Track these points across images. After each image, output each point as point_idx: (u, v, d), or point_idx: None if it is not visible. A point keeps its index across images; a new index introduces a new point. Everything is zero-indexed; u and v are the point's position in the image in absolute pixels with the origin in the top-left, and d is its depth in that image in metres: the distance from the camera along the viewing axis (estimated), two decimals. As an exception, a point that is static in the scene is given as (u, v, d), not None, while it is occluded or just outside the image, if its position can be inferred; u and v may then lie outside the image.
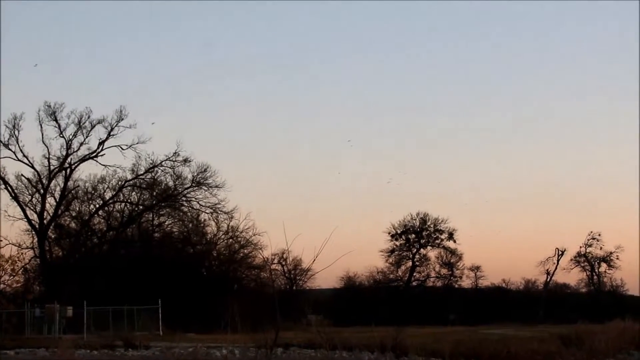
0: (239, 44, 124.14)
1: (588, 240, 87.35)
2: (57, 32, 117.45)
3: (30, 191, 60.10)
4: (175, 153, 60.60)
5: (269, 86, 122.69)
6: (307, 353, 26.18)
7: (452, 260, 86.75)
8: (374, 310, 70.63)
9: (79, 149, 60.16)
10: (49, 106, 59.15)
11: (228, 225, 65.52)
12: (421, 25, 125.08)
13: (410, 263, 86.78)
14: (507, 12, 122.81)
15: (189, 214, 64.44)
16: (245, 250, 66.42)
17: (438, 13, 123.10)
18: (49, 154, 59.65)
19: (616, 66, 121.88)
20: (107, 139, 59.93)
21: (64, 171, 60.35)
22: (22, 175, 59.63)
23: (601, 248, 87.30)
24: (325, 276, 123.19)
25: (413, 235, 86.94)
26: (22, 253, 59.37)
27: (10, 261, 57.86)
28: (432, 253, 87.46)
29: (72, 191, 61.58)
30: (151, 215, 65.72)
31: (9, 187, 58.74)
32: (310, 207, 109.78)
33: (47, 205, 59.99)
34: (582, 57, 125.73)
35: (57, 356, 22.98)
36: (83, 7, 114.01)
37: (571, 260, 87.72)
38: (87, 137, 59.96)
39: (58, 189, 60.66)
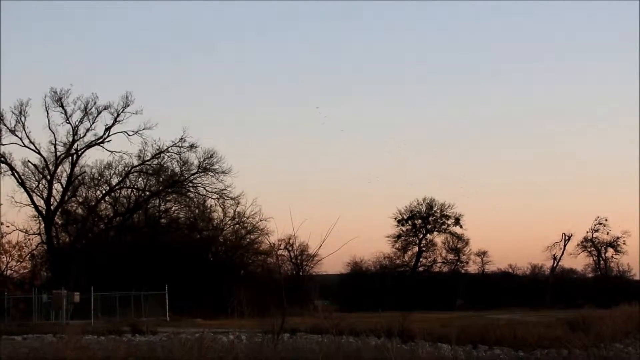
0: (245, 28, 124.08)
1: (595, 225, 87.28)
2: (63, 18, 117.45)
3: (36, 177, 60.12)
4: (182, 139, 60.51)
5: (275, 71, 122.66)
6: (313, 338, 26.22)
7: (458, 246, 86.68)
8: (381, 295, 70.77)
9: (85, 135, 60.10)
10: (55, 92, 59.03)
11: (234, 211, 65.71)
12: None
13: (416, 248, 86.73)
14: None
15: (195, 199, 64.51)
16: (251, 236, 66.63)
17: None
18: (55, 140, 59.65)
19: (626, 49, 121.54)
20: (113, 125, 59.83)
21: (70, 157, 60.33)
22: (28, 161, 59.67)
23: (608, 233, 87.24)
24: (332, 262, 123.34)
25: (419, 221, 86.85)
26: (29, 239, 59.44)
27: (17, 247, 57.90)
28: (438, 238, 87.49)
29: (79, 177, 61.61)
30: (157, 201, 65.77)
31: (15, 173, 58.73)
32: (316, 193, 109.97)
33: (54, 191, 60.00)
34: (589, 41, 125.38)
35: (65, 342, 23.01)
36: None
37: (578, 245, 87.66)
38: (93, 123, 59.85)
39: (65, 175, 60.71)
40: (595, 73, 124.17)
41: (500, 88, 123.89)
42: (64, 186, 60.44)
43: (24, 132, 58.75)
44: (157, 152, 61.15)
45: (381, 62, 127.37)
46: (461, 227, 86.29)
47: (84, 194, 63.39)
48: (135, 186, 63.58)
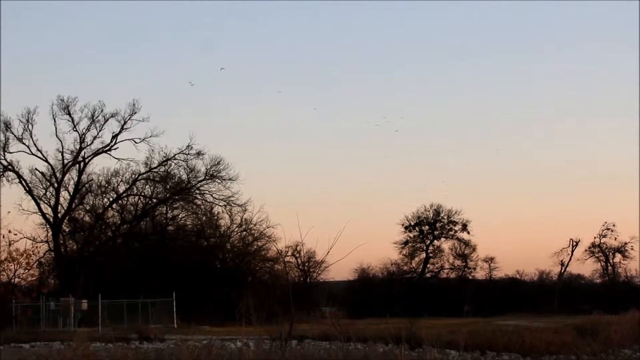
0: (250, 31, 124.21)
1: (602, 230, 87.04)
2: (70, 27, 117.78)
3: (44, 185, 60.16)
4: (189, 146, 60.61)
5: (282, 77, 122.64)
6: (321, 345, 26.20)
7: (466, 252, 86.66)
8: (388, 302, 70.59)
9: (92, 142, 60.15)
10: (62, 100, 59.07)
11: (242, 218, 65.84)
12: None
13: (424, 254, 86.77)
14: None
15: (202, 206, 64.51)
16: (258, 243, 66.67)
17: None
18: (62, 147, 59.72)
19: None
20: (120, 132, 59.89)
21: (77, 165, 60.41)
22: (36, 169, 59.76)
23: (616, 238, 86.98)
24: (339, 268, 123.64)
25: (427, 227, 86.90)
26: (36, 247, 59.34)
27: (25, 255, 57.96)
28: (445, 244, 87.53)
29: (86, 185, 61.67)
30: (165, 209, 65.77)
31: (23, 181, 58.82)
32: (323, 200, 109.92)
33: (61, 199, 60.05)
34: (605, 39, 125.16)
35: (73, 349, 23.05)
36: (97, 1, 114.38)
37: (585, 251, 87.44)
38: (100, 130, 59.92)
39: (72, 182, 60.73)
40: (609, 74, 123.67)
41: (507, 90, 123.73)
42: (71, 194, 60.54)
43: (31, 140, 58.88)
44: (164, 159, 61.30)
45: (385, 66, 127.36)
46: (468, 233, 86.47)
47: (91, 202, 63.53)
48: (143, 193, 63.69)
